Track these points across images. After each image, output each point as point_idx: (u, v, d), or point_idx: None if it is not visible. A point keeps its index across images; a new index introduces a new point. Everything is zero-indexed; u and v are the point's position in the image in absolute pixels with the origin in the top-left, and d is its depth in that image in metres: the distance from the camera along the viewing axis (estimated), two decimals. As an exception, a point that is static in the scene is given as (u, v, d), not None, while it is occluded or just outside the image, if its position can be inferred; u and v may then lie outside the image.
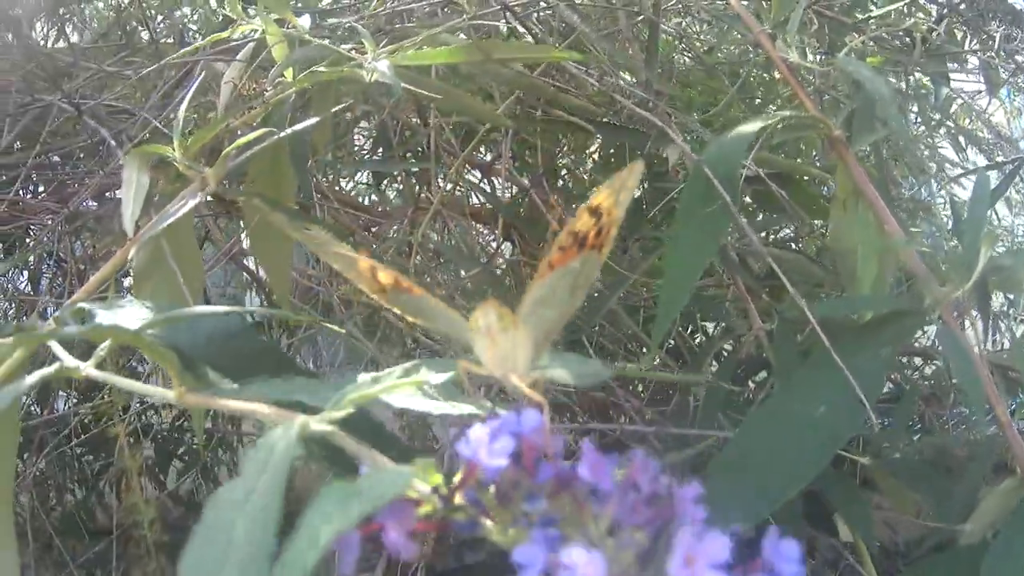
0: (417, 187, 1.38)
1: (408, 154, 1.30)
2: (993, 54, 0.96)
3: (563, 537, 0.35)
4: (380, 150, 1.37)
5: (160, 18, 1.11)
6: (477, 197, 1.44)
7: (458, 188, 1.39)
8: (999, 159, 1.18)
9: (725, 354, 1.13)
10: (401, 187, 1.43)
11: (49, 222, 0.99)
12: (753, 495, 0.64)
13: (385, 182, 1.51)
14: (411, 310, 0.46)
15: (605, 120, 1.09)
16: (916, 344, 1.27)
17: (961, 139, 1.27)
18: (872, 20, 0.87)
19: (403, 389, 0.41)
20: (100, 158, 1.02)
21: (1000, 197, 0.96)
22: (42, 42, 1.12)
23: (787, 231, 1.31)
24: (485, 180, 1.40)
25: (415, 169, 1.36)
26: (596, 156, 1.44)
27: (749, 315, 0.96)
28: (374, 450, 0.39)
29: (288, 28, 0.79)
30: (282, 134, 0.72)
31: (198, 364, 0.54)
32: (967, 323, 0.71)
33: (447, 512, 0.36)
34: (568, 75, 1.05)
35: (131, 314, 0.54)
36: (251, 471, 0.36)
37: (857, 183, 0.78)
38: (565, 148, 1.40)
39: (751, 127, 0.78)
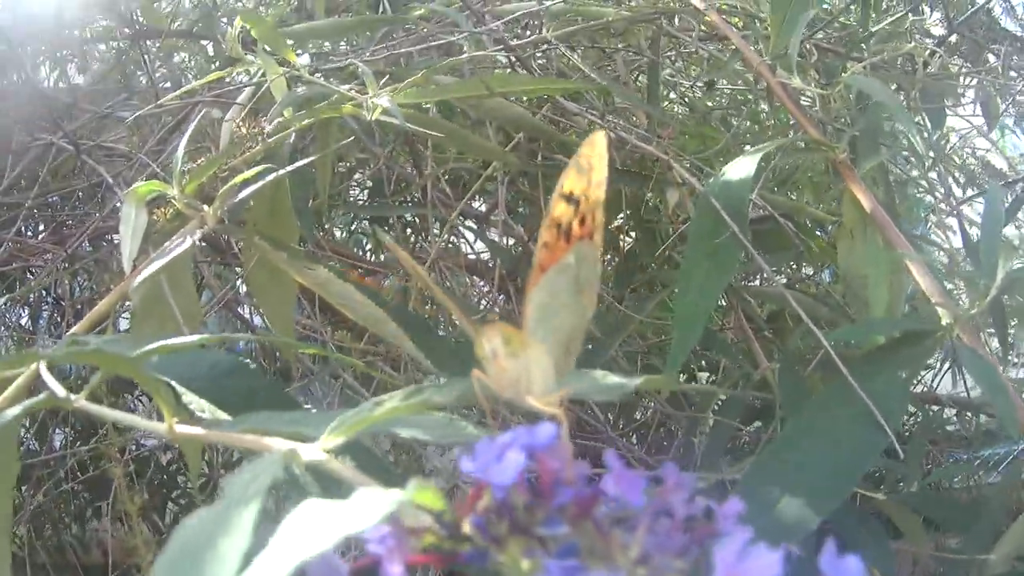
0: (412, 238, 1.37)
1: (403, 203, 1.30)
2: (994, 79, 0.96)
3: (584, 568, 0.31)
4: (375, 201, 1.36)
5: (158, 63, 1.11)
6: (472, 248, 1.43)
7: (452, 240, 1.38)
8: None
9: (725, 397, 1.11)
10: (396, 238, 1.42)
11: (47, 263, 0.98)
12: (771, 529, 0.61)
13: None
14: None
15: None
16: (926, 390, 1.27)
17: (959, 176, 1.26)
18: (870, 48, 0.87)
19: (406, 412, 0.40)
20: (98, 200, 1.02)
21: (1015, 214, 0.95)
22: (44, 82, 1.12)
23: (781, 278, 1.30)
24: (481, 231, 1.39)
25: (409, 218, 1.36)
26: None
27: (754, 354, 0.95)
28: (371, 479, 0.37)
29: (288, 68, 0.79)
30: (282, 172, 0.71)
31: (196, 398, 0.53)
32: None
33: (451, 542, 0.33)
34: (569, 116, 1.05)
35: (128, 346, 0.53)
36: (231, 494, 0.33)
37: (864, 205, 0.77)
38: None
39: (755, 154, 0.78)
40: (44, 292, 1.27)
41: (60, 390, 0.48)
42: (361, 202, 1.39)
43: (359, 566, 0.33)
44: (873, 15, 0.97)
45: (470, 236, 1.43)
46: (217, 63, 1.06)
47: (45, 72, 1.18)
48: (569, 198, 0.41)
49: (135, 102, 0.99)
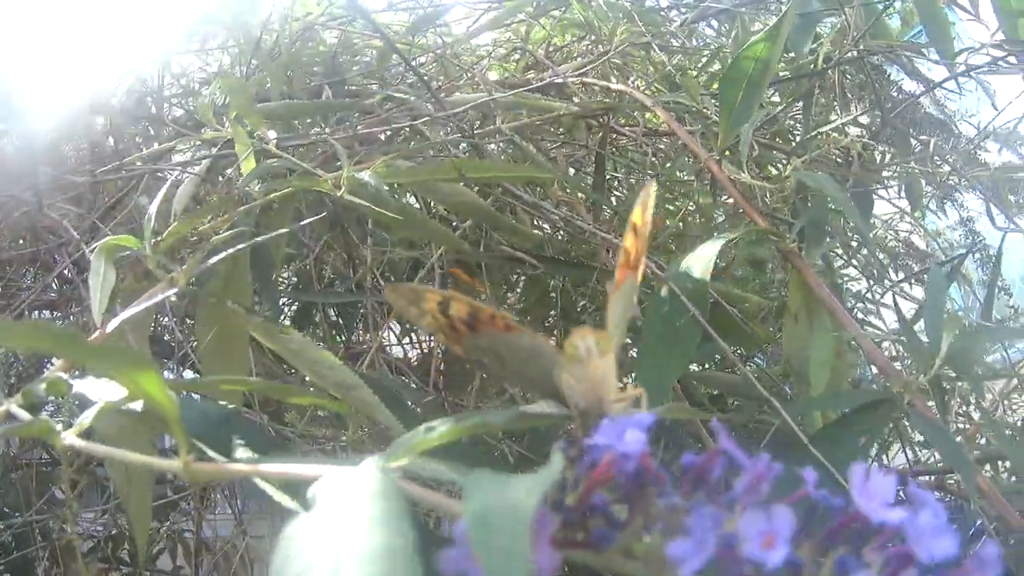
0: (336, 335, 1.36)
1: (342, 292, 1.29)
2: (921, 165, 1.02)
3: (721, 516, 0.33)
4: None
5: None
6: (402, 347, 1.43)
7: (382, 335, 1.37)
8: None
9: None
10: (323, 335, 1.40)
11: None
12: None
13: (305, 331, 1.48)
14: (496, 351, 0.44)
15: (548, 255, 1.10)
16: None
17: (884, 258, 1.33)
18: (809, 143, 0.92)
19: (460, 434, 0.40)
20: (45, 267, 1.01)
21: (948, 287, 1.00)
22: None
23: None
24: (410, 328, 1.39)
25: (334, 318, 1.35)
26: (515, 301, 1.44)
27: (703, 438, 0.97)
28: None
29: (256, 140, 0.80)
30: (251, 243, 0.72)
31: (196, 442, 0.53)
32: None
33: (582, 518, 0.35)
34: (517, 206, 1.07)
35: (110, 387, 0.52)
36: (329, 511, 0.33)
37: (812, 288, 0.81)
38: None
39: (715, 243, 0.81)
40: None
41: (49, 422, 0.47)
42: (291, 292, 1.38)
43: None
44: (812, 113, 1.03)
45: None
46: (144, 148, 1.07)
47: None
48: (634, 229, 0.44)
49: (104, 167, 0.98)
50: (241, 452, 0.54)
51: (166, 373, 1.28)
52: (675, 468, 0.37)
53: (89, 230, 0.96)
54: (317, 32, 1.16)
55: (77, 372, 0.64)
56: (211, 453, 0.51)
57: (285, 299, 1.36)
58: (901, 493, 0.35)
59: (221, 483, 1.23)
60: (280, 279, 1.41)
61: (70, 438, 0.46)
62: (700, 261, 0.78)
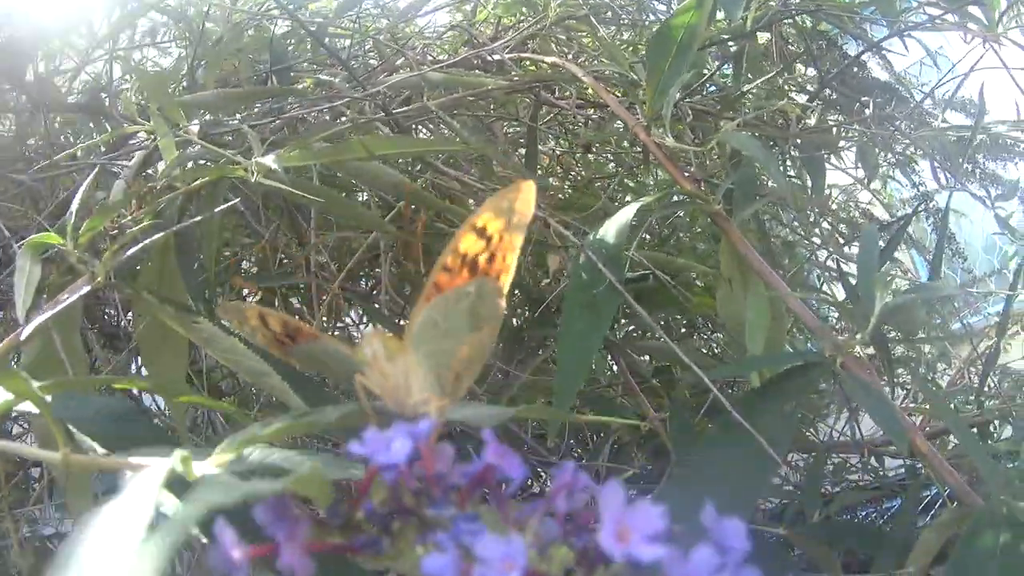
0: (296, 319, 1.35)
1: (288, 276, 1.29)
2: (867, 130, 1.01)
3: (477, 532, 0.32)
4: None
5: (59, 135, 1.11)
6: (357, 328, 1.42)
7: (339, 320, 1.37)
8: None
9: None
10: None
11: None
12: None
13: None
14: (318, 359, 0.44)
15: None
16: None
17: (843, 228, 1.32)
18: (744, 107, 0.91)
19: (296, 431, 0.40)
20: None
21: (891, 255, 0.99)
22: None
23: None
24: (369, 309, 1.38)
25: (297, 305, 1.35)
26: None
27: (641, 406, 0.97)
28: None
29: (178, 131, 0.80)
30: (169, 231, 0.72)
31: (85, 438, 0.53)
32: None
33: (346, 530, 0.35)
34: (447, 184, 1.06)
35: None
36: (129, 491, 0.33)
37: (741, 253, 0.80)
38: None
39: (631, 207, 0.80)
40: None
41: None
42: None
43: (257, 553, 0.33)
44: (749, 75, 1.02)
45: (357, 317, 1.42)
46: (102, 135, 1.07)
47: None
48: (481, 232, 0.42)
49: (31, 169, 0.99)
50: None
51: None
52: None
53: (38, 228, 0.96)
54: (261, 21, 1.16)
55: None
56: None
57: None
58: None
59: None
60: (240, 268, 1.41)
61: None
62: (615, 226, 0.78)
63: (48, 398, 0.49)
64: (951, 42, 1.07)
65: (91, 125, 1.16)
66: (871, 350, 0.80)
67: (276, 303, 1.35)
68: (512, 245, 0.42)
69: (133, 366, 1.22)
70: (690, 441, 0.85)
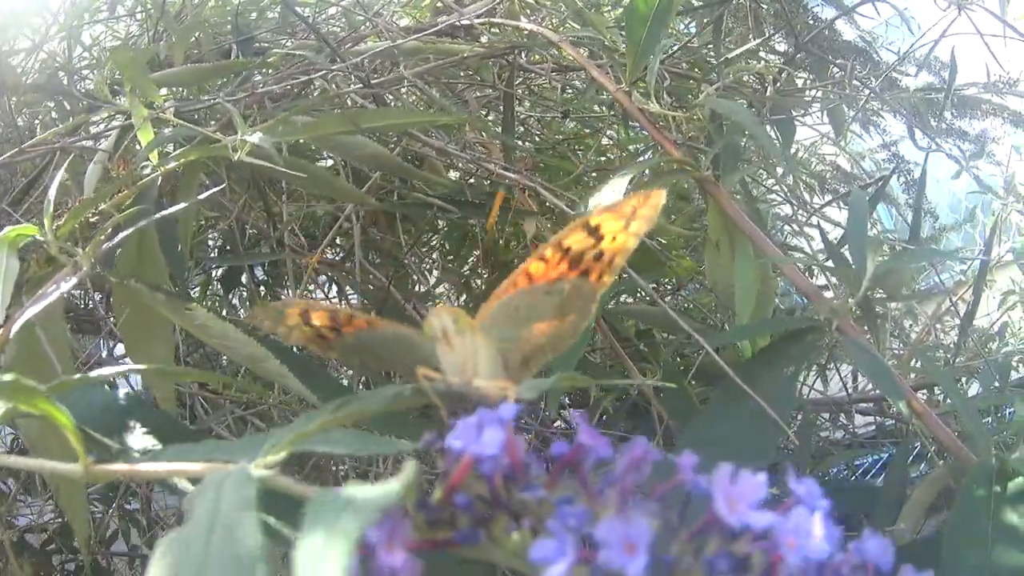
0: (265, 294, 1.35)
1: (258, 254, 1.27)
2: (840, 90, 1.02)
3: (586, 514, 0.32)
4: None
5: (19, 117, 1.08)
6: (327, 298, 1.41)
7: (309, 291, 1.36)
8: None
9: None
10: (250, 295, 1.39)
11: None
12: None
13: (233, 293, 1.46)
14: (367, 348, 0.43)
15: (463, 199, 1.08)
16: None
17: (813, 183, 1.33)
18: (721, 70, 0.91)
19: (340, 422, 0.39)
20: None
21: (873, 209, 1.00)
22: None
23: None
24: (339, 279, 1.37)
25: (262, 276, 1.34)
26: (441, 248, 1.42)
27: (629, 372, 0.97)
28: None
29: (154, 110, 0.78)
30: (157, 215, 0.70)
31: (98, 437, 0.52)
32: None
33: (443, 527, 0.34)
34: (427, 154, 1.05)
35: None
36: (202, 513, 0.32)
37: (730, 217, 0.80)
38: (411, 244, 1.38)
39: (623, 178, 0.79)
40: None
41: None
42: (213, 259, 1.36)
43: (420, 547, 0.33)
44: (728, 42, 1.02)
45: (327, 287, 1.41)
46: (59, 122, 1.04)
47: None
48: (594, 231, 0.41)
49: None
50: (144, 441, 0.53)
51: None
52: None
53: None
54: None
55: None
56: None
57: (210, 264, 1.34)
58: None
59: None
60: (206, 242, 1.39)
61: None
62: (611, 195, 0.77)
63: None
64: (919, 3, 1.08)
65: (50, 105, 1.13)
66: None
67: (243, 277, 1.34)
68: (625, 248, 0.42)
69: (104, 350, 1.21)
70: (685, 406, 0.85)
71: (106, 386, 0.84)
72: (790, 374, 0.69)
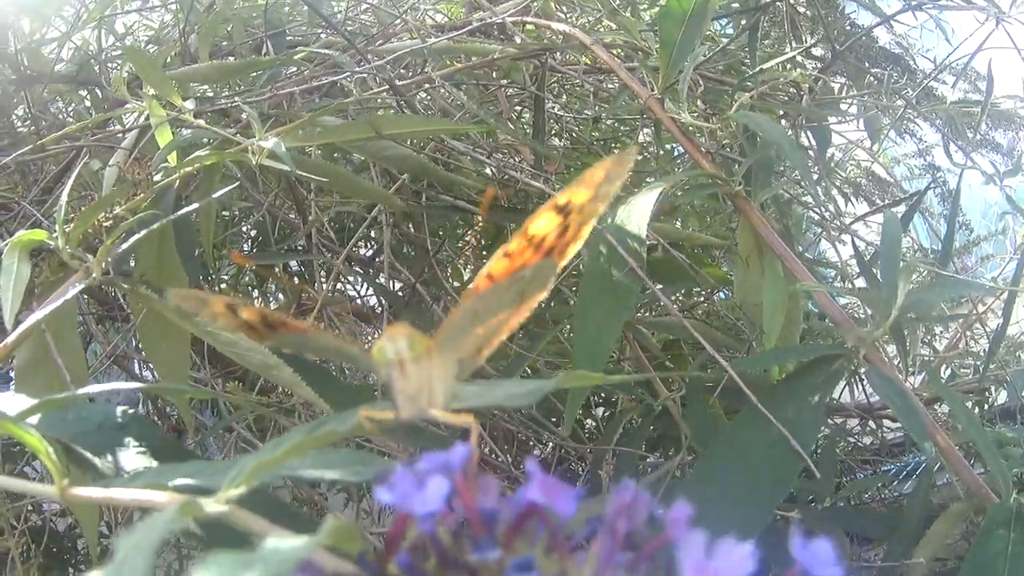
0: (299, 285, 1.34)
1: (288, 251, 1.27)
2: (877, 99, 0.99)
3: None
4: (260, 250, 1.33)
5: (39, 111, 1.07)
6: (358, 294, 1.40)
7: (339, 285, 1.35)
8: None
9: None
10: (283, 286, 1.38)
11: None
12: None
13: (268, 283, 1.46)
14: (296, 346, 0.41)
15: (495, 204, 1.06)
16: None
17: (847, 190, 1.30)
18: (756, 78, 0.88)
19: (310, 447, 0.36)
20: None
21: (906, 227, 0.98)
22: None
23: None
24: (368, 275, 1.36)
25: (295, 267, 1.33)
26: (475, 243, 1.41)
27: (655, 386, 0.95)
28: (281, 528, 0.34)
29: (172, 111, 0.77)
30: (167, 219, 0.69)
31: (87, 456, 0.50)
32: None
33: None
34: (455, 155, 1.03)
35: (10, 401, 0.49)
36: (121, 555, 0.30)
37: (761, 235, 0.77)
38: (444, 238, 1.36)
39: (651, 193, 0.77)
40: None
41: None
42: (246, 252, 1.36)
43: None
44: (764, 46, 0.99)
45: (358, 281, 1.40)
46: (94, 111, 1.03)
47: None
48: (562, 209, 0.38)
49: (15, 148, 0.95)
50: (137, 461, 0.52)
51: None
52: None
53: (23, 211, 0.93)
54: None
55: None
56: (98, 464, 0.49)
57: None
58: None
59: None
60: (239, 233, 1.39)
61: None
62: (637, 212, 0.75)
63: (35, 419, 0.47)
64: (955, 12, 1.06)
65: (83, 94, 1.13)
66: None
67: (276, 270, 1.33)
68: (593, 213, 0.39)
69: (131, 343, 1.20)
70: (708, 427, 0.83)
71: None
72: (815, 403, 0.67)
